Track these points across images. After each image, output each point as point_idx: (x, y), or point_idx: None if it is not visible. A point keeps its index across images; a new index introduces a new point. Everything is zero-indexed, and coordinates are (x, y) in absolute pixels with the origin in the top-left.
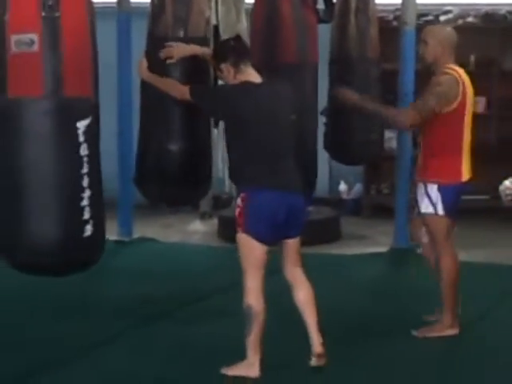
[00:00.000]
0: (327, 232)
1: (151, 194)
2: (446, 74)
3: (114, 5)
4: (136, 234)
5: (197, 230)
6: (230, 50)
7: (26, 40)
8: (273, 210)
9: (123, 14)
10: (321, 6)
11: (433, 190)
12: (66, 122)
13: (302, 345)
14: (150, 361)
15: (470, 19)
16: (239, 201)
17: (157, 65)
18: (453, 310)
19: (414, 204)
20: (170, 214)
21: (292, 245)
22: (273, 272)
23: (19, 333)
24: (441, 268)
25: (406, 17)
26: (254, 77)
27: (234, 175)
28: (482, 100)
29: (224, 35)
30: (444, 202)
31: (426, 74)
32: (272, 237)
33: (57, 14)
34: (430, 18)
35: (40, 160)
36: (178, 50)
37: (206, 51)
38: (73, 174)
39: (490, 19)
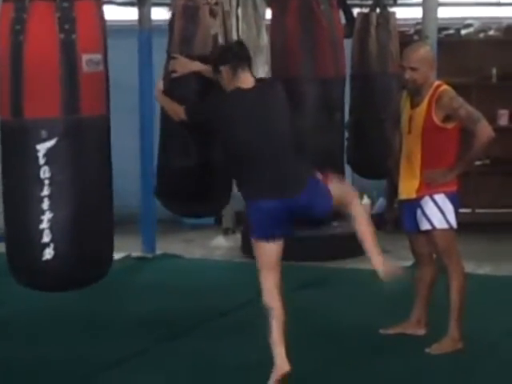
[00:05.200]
0: (350, 247)
1: (170, 206)
2: (443, 85)
3: (135, 22)
4: (158, 250)
5: (220, 245)
6: (230, 53)
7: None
8: (271, 217)
9: (144, 32)
10: (341, 20)
11: (442, 200)
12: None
13: (328, 359)
14: (173, 377)
15: (491, 32)
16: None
17: (171, 83)
18: (460, 323)
19: (405, 223)
20: (192, 229)
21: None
22: (301, 287)
23: (43, 350)
24: (453, 283)
25: (427, 31)
26: (247, 82)
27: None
28: (505, 113)
29: None
30: (454, 210)
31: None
32: (272, 234)
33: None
34: (451, 31)
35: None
36: (181, 65)
37: (207, 69)
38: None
39: None
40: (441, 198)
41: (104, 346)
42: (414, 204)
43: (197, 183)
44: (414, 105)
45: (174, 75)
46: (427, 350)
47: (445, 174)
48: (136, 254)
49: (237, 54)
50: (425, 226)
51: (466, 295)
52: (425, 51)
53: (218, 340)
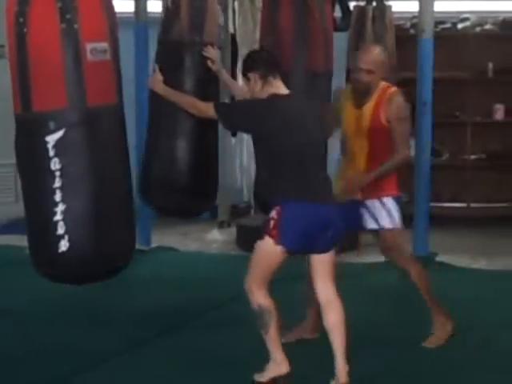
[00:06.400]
0: (345, 241)
1: (154, 203)
2: (391, 87)
3: (132, 15)
4: (154, 243)
5: (215, 238)
6: (260, 60)
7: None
8: (308, 223)
9: (141, 24)
10: (337, 13)
11: (390, 202)
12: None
13: (322, 354)
14: (167, 370)
15: (487, 26)
16: (274, 213)
17: (169, 71)
18: (439, 307)
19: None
20: (187, 222)
21: (323, 259)
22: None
23: (38, 342)
24: (415, 278)
25: (423, 25)
26: (281, 89)
27: (265, 189)
28: (501, 107)
29: (241, 43)
30: (399, 212)
31: (443, 83)
32: (302, 248)
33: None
34: (448, 25)
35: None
36: (217, 64)
37: (232, 82)
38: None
39: (508, 26)
40: (389, 200)
41: (98, 339)
42: (358, 205)
43: (185, 177)
44: (359, 105)
45: (211, 65)
46: (423, 344)
47: (362, 178)
48: None
49: (266, 61)
50: (371, 225)
51: (428, 279)
52: (379, 54)
53: (212, 333)
